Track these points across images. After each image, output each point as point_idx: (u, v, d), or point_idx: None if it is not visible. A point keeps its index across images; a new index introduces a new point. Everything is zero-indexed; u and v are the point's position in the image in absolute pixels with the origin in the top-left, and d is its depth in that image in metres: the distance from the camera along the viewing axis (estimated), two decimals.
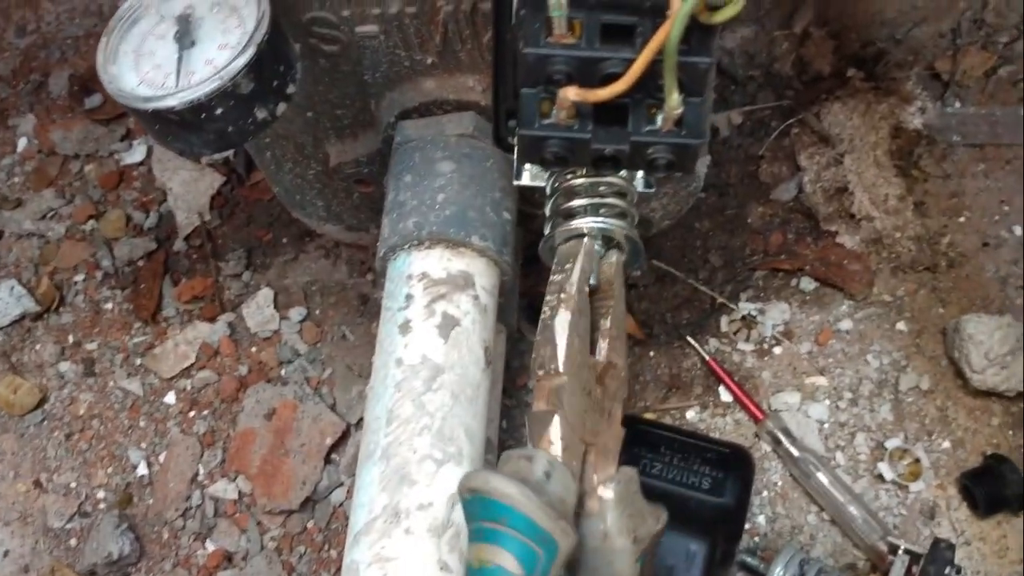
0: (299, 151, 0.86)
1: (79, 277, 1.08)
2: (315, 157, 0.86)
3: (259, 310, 1.02)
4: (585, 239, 0.55)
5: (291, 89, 0.65)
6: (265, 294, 1.03)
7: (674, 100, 0.45)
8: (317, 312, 1.02)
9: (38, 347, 1.05)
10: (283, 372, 0.98)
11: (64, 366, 1.02)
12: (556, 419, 0.49)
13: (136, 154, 1.16)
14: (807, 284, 0.97)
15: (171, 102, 0.59)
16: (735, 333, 0.95)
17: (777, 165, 1.05)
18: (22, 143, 1.20)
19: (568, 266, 0.54)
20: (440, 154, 0.77)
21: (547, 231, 0.58)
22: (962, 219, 1.00)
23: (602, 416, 0.55)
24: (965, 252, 0.98)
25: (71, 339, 1.05)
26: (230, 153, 1.14)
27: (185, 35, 0.63)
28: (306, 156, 0.86)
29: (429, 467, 0.65)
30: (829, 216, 0.99)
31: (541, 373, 0.51)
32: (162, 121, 0.61)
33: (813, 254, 0.98)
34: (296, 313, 1.01)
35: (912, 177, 1.03)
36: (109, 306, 1.06)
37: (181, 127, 0.61)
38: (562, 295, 0.51)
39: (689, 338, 0.94)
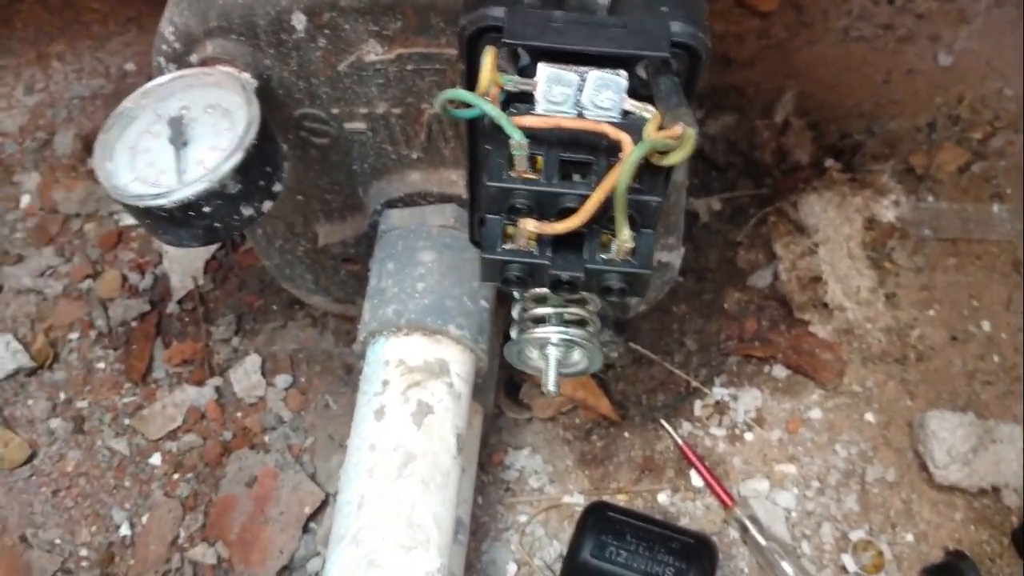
0: (289, 230, 0.89)
1: (74, 335, 1.11)
2: (305, 236, 0.90)
3: (246, 376, 1.05)
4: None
5: (277, 188, 0.68)
6: (253, 360, 1.05)
7: (624, 235, 0.48)
8: (303, 380, 1.05)
9: (30, 403, 1.07)
10: (267, 439, 1.00)
11: (55, 423, 1.05)
12: None
13: None
14: (779, 372, 1.00)
15: (162, 201, 0.62)
16: (708, 418, 0.97)
17: (754, 252, 1.08)
18: (25, 200, 1.24)
19: None
20: (422, 243, 0.80)
21: (514, 334, 0.61)
22: (932, 313, 1.03)
23: None
24: (934, 346, 1.01)
25: (63, 396, 1.07)
26: None
27: (178, 136, 0.66)
28: (296, 235, 0.90)
29: (397, 553, 0.68)
30: (803, 305, 1.02)
31: None
32: (153, 217, 0.64)
33: (786, 342, 1.01)
34: (282, 380, 1.04)
35: (884, 269, 1.06)
36: (101, 365, 1.08)
37: (171, 222, 0.64)
38: None
39: (663, 421, 0.96)
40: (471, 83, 0.52)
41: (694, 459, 0.93)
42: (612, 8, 0.56)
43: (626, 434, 0.97)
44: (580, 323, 0.59)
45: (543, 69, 0.51)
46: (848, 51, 1.24)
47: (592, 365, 0.60)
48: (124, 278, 1.14)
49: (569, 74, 0.51)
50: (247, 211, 0.66)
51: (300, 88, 0.74)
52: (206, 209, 0.63)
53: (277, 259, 0.93)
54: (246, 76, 0.70)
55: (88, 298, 1.13)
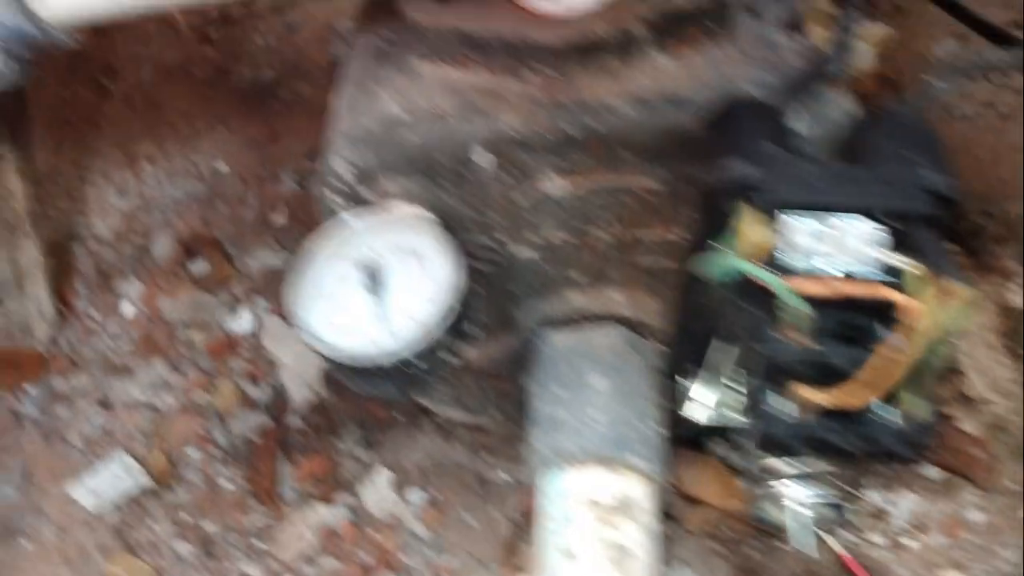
0: None
1: (193, 452, 1.09)
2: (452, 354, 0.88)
3: (377, 492, 1.02)
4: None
5: (472, 331, 0.67)
6: (383, 474, 1.03)
7: (914, 406, 0.46)
8: (436, 494, 1.02)
9: (153, 525, 1.05)
10: (406, 560, 0.97)
11: (181, 547, 1.02)
12: None
13: (244, 323, 1.18)
14: (932, 472, 0.97)
15: (379, 360, 0.60)
16: (865, 524, 0.94)
17: None
18: (127, 309, 1.22)
19: None
20: (591, 368, 0.78)
21: (758, 502, 0.59)
22: None
23: None
24: None
25: (187, 518, 1.05)
26: None
27: (374, 283, 0.65)
28: None
29: None
30: (946, 399, 1.00)
31: None
32: (359, 372, 0.63)
33: (935, 440, 0.98)
34: (415, 495, 1.02)
35: (1021, 358, 1.03)
36: (225, 484, 1.06)
37: (378, 376, 0.63)
38: None
39: (819, 530, 0.93)
40: (710, 235, 0.51)
41: (859, 570, 0.90)
42: (852, 155, 0.55)
43: (781, 544, 0.94)
44: (821, 478, 0.57)
45: (798, 226, 0.50)
46: (952, 130, 1.23)
47: (841, 519, 0.58)
48: (240, 390, 1.13)
49: (827, 230, 0.50)
50: (448, 358, 0.65)
51: (473, 219, 0.73)
52: (419, 363, 0.62)
53: None
54: (425, 213, 0.69)
55: (205, 412, 1.12)
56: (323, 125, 1.33)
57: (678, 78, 0.63)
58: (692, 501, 0.95)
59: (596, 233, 0.73)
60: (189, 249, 1.26)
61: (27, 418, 1.15)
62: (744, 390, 0.55)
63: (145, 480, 1.06)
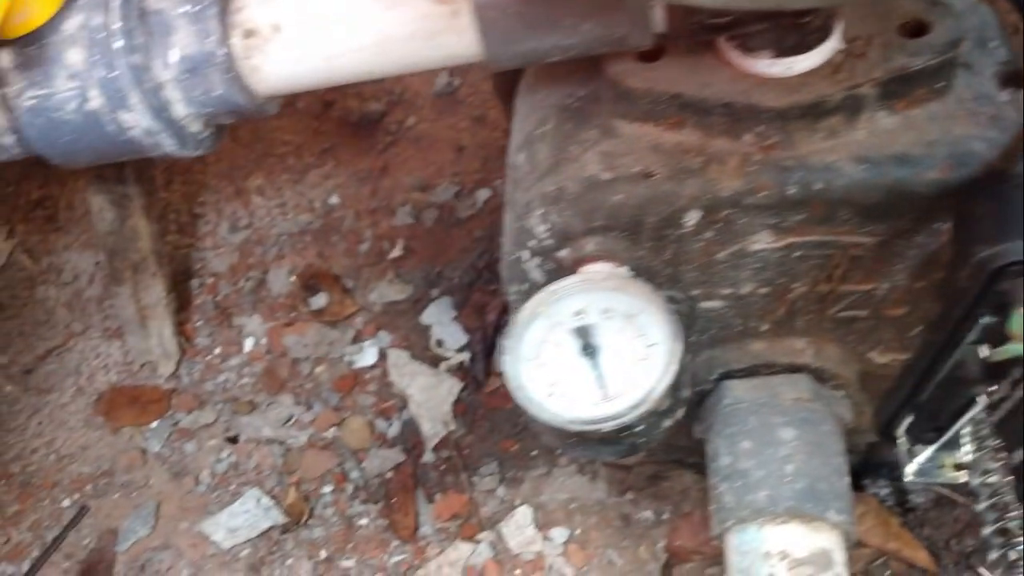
0: None
1: (327, 488, 1.09)
2: None
3: (519, 530, 1.02)
4: None
5: (686, 393, 0.66)
6: (523, 512, 1.03)
7: None
8: (579, 532, 1.02)
9: (289, 562, 1.05)
10: None
11: None
12: None
13: (368, 357, 1.18)
14: None
15: (603, 426, 0.60)
16: None
17: None
18: (248, 343, 1.23)
19: None
20: (779, 419, 0.77)
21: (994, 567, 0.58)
22: None
23: None
24: None
25: (324, 555, 1.05)
26: (467, 358, 1.16)
27: (587, 346, 0.64)
28: None
29: None
30: None
31: None
32: (579, 436, 0.62)
33: None
34: (558, 534, 1.01)
35: None
36: (362, 521, 1.06)
37: (598, 441, 0.62)
38: None
39: (983, 570, 0.92)
40: (982, 315, 0.51)
41: None
42: None
43: None
44: None
45: None
46: None
47: None
48: (370, 425, 1.13)
49: None
50: (667, 422, 0.64)
51: (665, 273, 0.71)
52: (637, 428, 0.62)
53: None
54: (627, 271, 0.68)
55: (336, 448, 1.12)
56: (437, 158, 1.34)
57: (903, 136, 0.62)
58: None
59: (795, 286, 0.72)
60: (307, 283, 1.26)
61: (154, 455, 1.16)
62: (989, 461, 0.54)
63: (279, 516, 1.07)
